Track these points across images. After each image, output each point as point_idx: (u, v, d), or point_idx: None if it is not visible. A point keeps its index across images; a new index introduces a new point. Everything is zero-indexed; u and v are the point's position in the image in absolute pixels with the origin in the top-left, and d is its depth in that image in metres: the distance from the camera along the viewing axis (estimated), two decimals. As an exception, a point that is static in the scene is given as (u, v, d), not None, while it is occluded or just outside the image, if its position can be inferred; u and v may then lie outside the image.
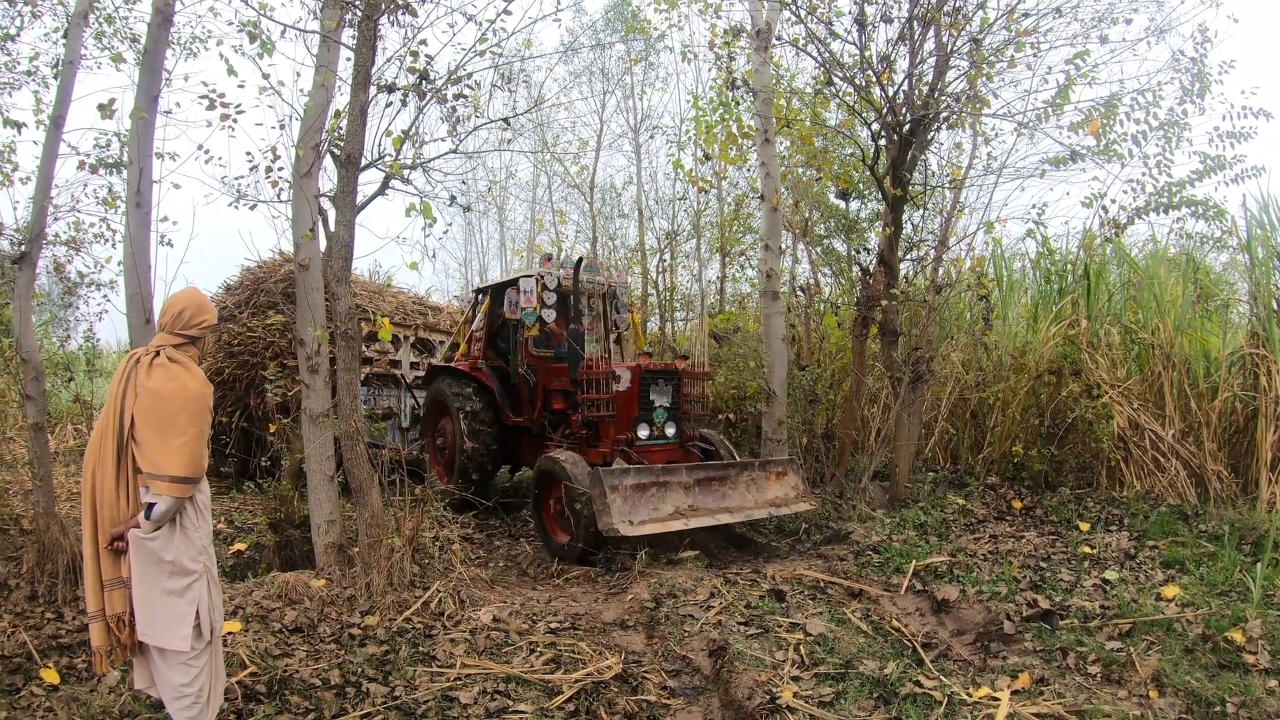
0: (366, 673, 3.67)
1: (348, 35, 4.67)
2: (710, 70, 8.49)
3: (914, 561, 5.08)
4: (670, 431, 6.45)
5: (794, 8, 6.60)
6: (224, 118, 4.85)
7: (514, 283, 7.14)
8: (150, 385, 2.70)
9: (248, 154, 5.06)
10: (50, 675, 3.51)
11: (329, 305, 4.73)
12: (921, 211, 8.16)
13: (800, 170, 9.01)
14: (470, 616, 4.37)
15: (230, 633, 3.77)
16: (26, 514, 4.78)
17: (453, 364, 7.95)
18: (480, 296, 8.26)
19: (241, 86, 4.90)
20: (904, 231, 7.58)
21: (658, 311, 13.00)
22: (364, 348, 8.45)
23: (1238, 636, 3.72)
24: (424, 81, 4.55)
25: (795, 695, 3.44)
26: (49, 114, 4.79)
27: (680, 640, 4.16)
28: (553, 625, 4.42)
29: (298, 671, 3.62)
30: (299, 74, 7.12)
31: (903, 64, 6.61)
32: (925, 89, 6.51)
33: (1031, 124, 6.62)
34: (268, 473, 6.08)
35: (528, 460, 7.48)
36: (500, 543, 6.69)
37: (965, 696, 3.44)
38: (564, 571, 5.70)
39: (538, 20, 5.23)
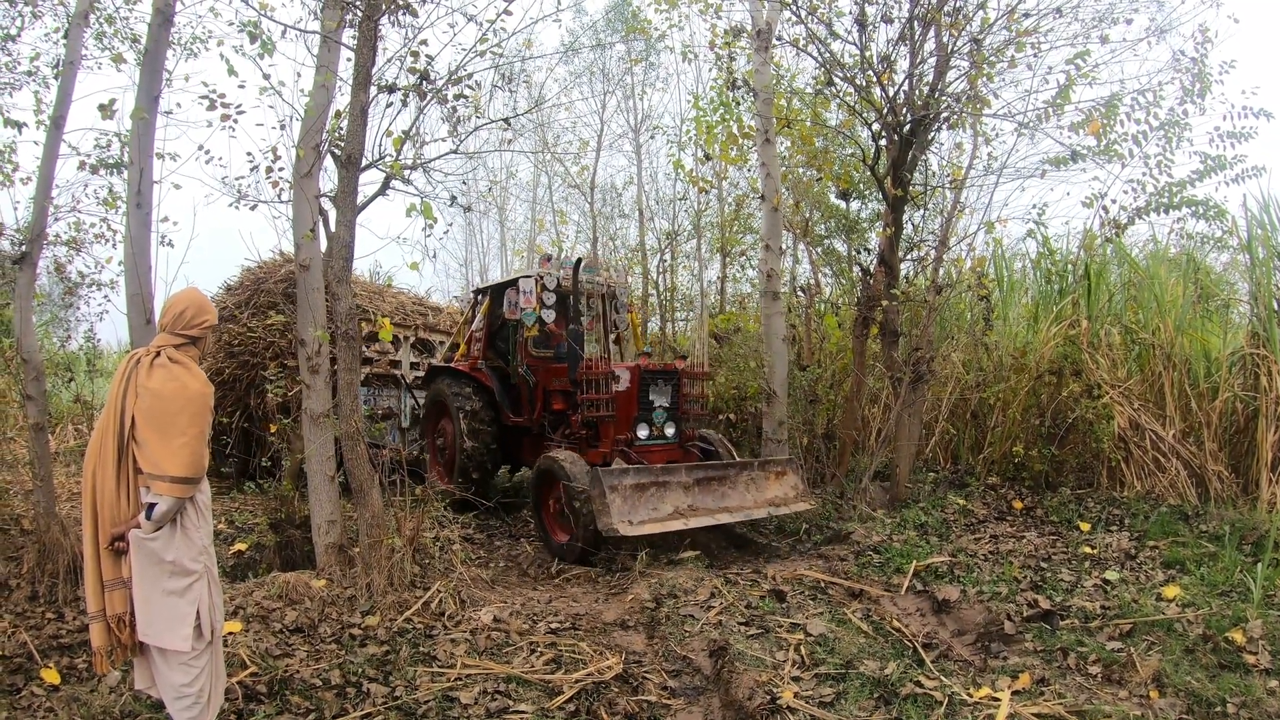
0: (367, 673, 3.67)
1: (348, 36, 4.67)
2: (711, 70, 8.51)
3: (914, 562, 5.08)
4: (670, 431, 6.45)
5: (794, 8, 6.60)
6: (224, 118, 4.85)
7: (513, 283, 7.14)
8: (151, 385, 2.70)
9: (248, 154, 5.07)
10: (51, 675, 3.51)
11: (329, 306, 4.73)
12: (922, 212, 8.16)
13: (801, 170, 9.01)
14: (471, 617, 4.37)
15: (231, 633, 3.77)
16: (27, 514, 4.78)
17: (452, 364, 7.96)
18: (480, 297, 8.26)
19: (242, 87, 4.89)
20: (904, 232, 7.58)
21: (658, 312, 13.01)
22: (364, 348, 8.46)
23: (1238, 637, 3.72)
24: (424, 82, 4.55)
25: (796, 695, 3.44)
26: (49, 114, 4.79)
27: (681, 640, 4.16)
28: (553, 625, 4.42)
29: (298, 672, 3.62)
30: (299, 74, 7.10)
31: (903, 64, 6.61)
32: (926, 89, 6.51)
33: (1032, 124, 6.62)
34: (268, 473, 6.07)
35: (528, 460, 7.48)
36: (501, 543, 6.69)
37: (966, 697, 3.44)
38: (564, 572, 5.70)
39: (538, 21, 5.23)
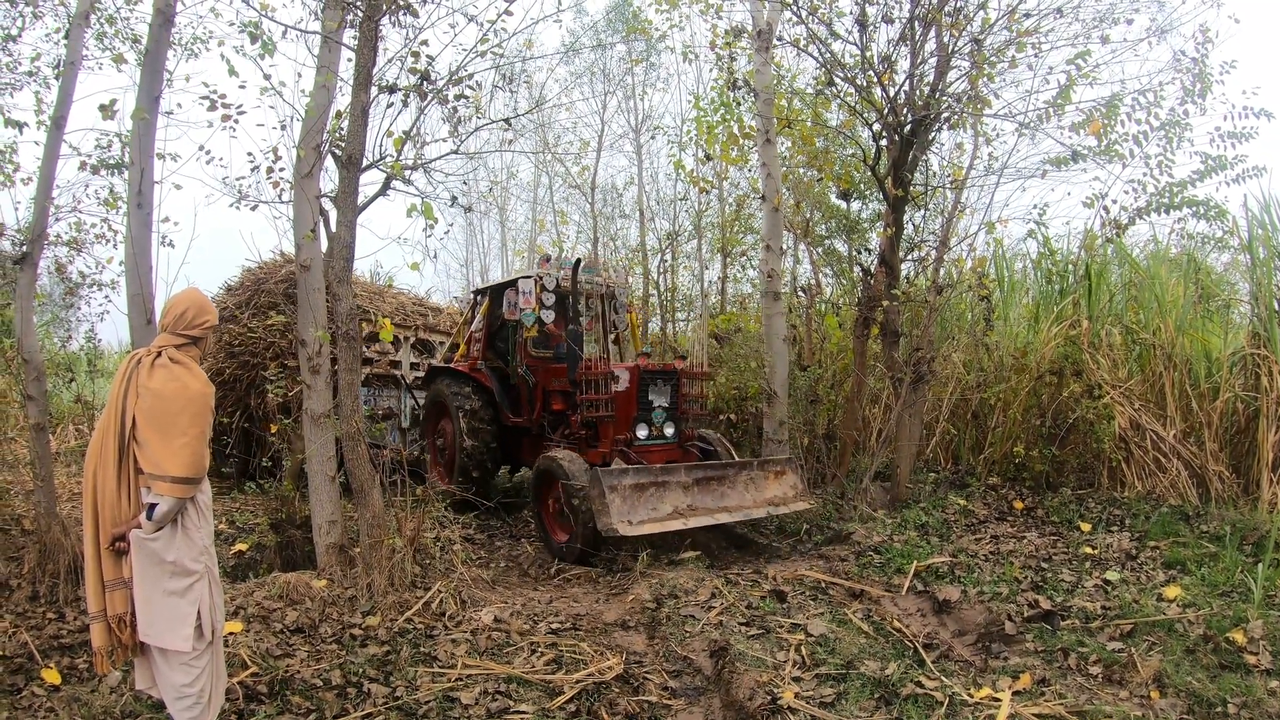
0: (368, 673, 3.67)
1: (349, 36, 4.67)
2: (711, 71, 8.50)
3: (915, 562, 5.07)
4: (669, 431, 6.46)
5: (795, 8, 6.60)
6: (225, 118, 4.85)
7: (513, 284, 7.14)
8: (152, 385, 2.70)
9: (249, 155, 5.06)
10: (52, 675, 3.51)
11: (330, 306, 4.73)
12: (923, 212, 8.16)
13: (801, 171, 9.01)
14: (471, 617, 4.37)
15: (231, 633, 3.77)
16: (28, 514, 4.78)
17: (452, 365, 7.96)
18: (479, 297, 8.26)
19: (243, 87, 4.90)
20: (905, 232, 7.57)
21: (659, 312, 13.01)
22: (364, 348, 8.46)
23: (1239, 637, 3.72)
24: (425, 82, 4.55)
25: (796, 696, 3.44)
26: (50, 114, 4.79)
27: (681, 641, 4.16)
28: (554, 626, 4.42)
29: (299, 672, 3.62)
30: (300, 75, 7.09)
31: (904, 64, 6.61)
32: (926, 89, 6.51)
33: (1033, 124, 6.62)
34: (269, 473, 6.08)
35: (527, 461, 7.48)
36: (501, 543, 6.69)
37: (966, 697, 3.44)
38: (565, 572, 5.70)
39: (539, 21, 5.22)
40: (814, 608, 4.63)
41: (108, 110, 4.75)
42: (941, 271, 6.96)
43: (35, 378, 4.58)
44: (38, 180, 4.74)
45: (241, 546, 5.53)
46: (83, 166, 5.49)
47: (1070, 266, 7.76)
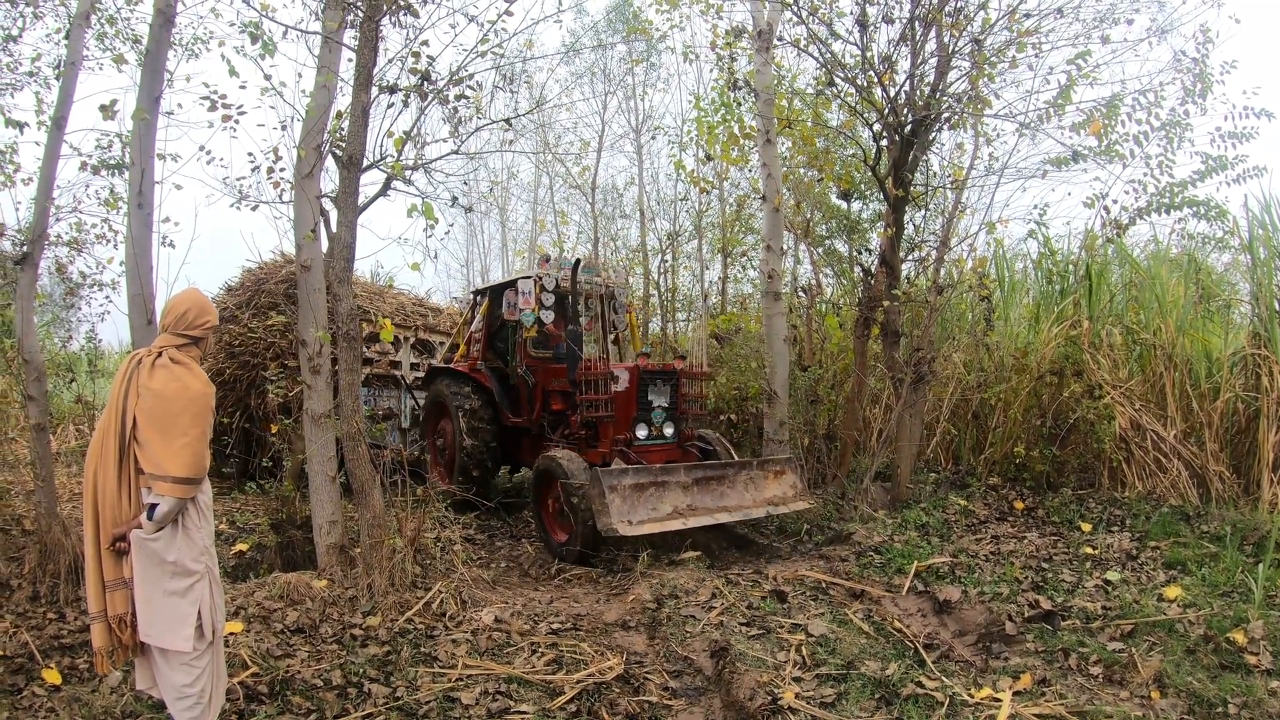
0: (368, 673, 3.67)
1: (349, 36, 4.67)
2: (712, 71, 8.50)
3: (916, 562, 5.07)
4: (668, 431, 6.46)
5: (795, 9, 6.59)
6: (226, 119, 4.85)
7: (512, 284, 7.15)
8: (152, 386, 2.70)
9: (250, 155, 5.06)
10: (52, 676, 3.51)
11: (331, 306, 4.73)
12: (923, 212, 8.16)
13: (802, 171, 9.01)
14: (472, 617, 4.37)
15: (232, 633, 3.77)
16: (28, 514, 4.78)
17: (452, 365, 7.96)
18: (479, 298, 8.26)
19: (243, 87, 4.90)
20: (906, 232, 7.57)
21: (659, 312, 13.01)
22: (364, 348, 8.46)
23: (1239, 637, 3.72)
24: (425, 82, 4.55)
25: (797, 696, 3.44)
26: (51, 115, 4.79)
27: (682, 641, 4.16)
28: (554, 626, 4.42)
29: (299, 672, 3.62)
30: (300, 75, 7.09)
31: (904, 65, 6.61)
32: (927, 89, 6.50)
33: (1033, 124, 6.62)
34: (269, 473, 6.08)
35: (527, 461, 7.48)
36: (502, 543, 6.69)
37: (967, 697, 3.44)
38: (565, 572, 5.70)
39: (539, 21, 5.23)
40: (814, 608, 4.63)
41: (108, 110, 4.76)
42: (942, 272, 6.96)
43: (36, 378, 4.58)
44: (38, 180, 4.74)
45: (242, 547, 5.53)
46: (83, 167, 5.49)
47: (1071, 267, 7.76)
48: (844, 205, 9.80)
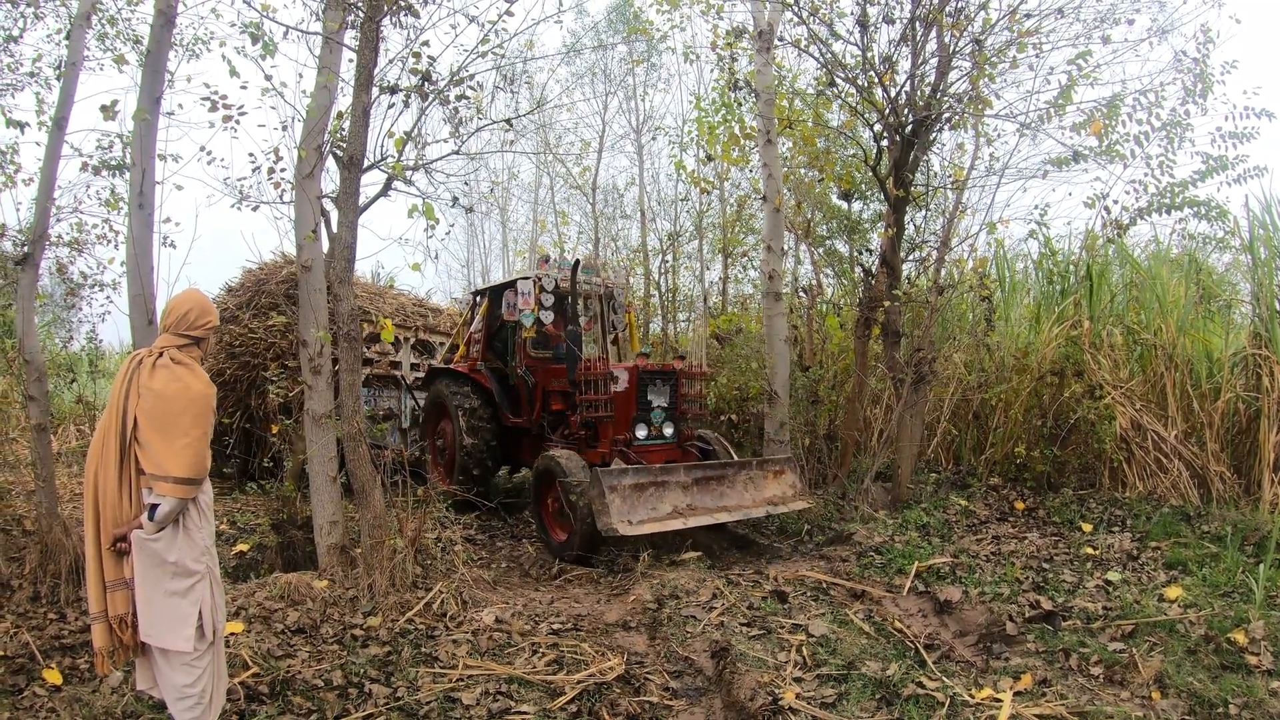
0: (369, 674, 3.67)
1: (350, 37, 4.68)
2: (712, 71, 8.50)
3: (916, 562, 5.07)
4: (668, 431, 6.46)
5: (796, 9, 6.59)
6: (226, 119, 4.86)
7: (512, 285, 7.15)
8: (153, 386, 2.70)
9: (250, 155, 5.05)
10: (53, 676, 3.52)
11: (331, 307, 4.73)
12: (924, 212, 8.16)
13: (802, 171, 9.01)
14: (472, 617, 4.37)
15: (233, 633, 3.77)
16: (29, 515, 4.79)
17: (452, 365, 7.97)
18: (478, 298, 8.26)
19: (244, 88, 4.91)
20: (906, 232, 7.57)
21: (660, 313, 13.01)
22: (365, 349, 8.46)
23: (1240, 638, 3.71)
24: (426, 83, 4.55)
25: (797, 696, 3.44)
26: (51, 115, 4.79)
27: (682, 641, 4.16)
28: (555, 626, 4.42)
29: (300, 672, 3.62)
30: (301, 75, 7.11)
31: (905, 65, 6.61)
32: (927, 90, 6.50)
33: (1034, 125, 6.62)
34: (270, 474, 6.08)
35: (527, 461, 7.49)
36: (502, 544, 6.69)
37: (967, 698, 3.44)
38: (566, 572, 5.70)
39: (540, 22, 5.23)
40: (815, 608, 4.63)
41: (109, 111, 4.76)
42: (943, 272, 6.96)
43: (37, 378, 4.58)
44: (39, 181, 4.74)
45: (243, 547, 5.53)
46: (84, 167, 5.50)
47: (1071, 267, 7.76)
48: (845, 205, 9.80)
